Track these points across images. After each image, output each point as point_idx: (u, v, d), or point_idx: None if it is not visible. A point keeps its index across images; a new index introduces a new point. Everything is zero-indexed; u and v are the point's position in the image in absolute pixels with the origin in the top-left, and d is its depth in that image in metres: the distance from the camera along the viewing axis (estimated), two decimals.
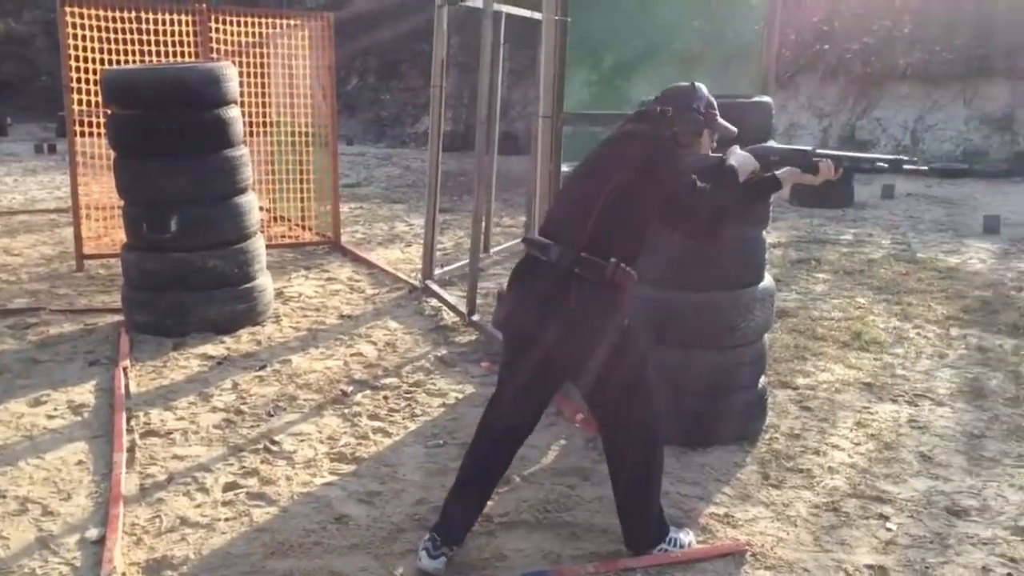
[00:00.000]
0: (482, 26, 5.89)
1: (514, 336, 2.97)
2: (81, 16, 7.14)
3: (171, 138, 5.25)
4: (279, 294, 6.33)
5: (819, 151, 3.11)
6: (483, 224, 6.82)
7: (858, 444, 3.99)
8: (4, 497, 3.45)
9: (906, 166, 3.07)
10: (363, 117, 19.87)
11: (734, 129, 3.09)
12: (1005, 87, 13.63)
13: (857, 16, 14.87)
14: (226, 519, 3.30)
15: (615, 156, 2.93)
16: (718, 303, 3.76)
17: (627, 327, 2.91)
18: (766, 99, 4.01)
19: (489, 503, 3.35)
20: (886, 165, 3.10)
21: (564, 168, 4.94)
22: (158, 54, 7.52)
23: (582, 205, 2.87)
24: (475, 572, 2.96)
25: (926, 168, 3.18)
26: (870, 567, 3.01)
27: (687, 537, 3.11)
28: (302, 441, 3.99)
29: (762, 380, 4.03)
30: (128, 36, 7.37)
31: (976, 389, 4.68)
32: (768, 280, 3.95)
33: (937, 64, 13.96)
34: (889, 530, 3.25)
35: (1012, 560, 3.06)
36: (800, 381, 4.77)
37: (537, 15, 6.78)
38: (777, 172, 3.11)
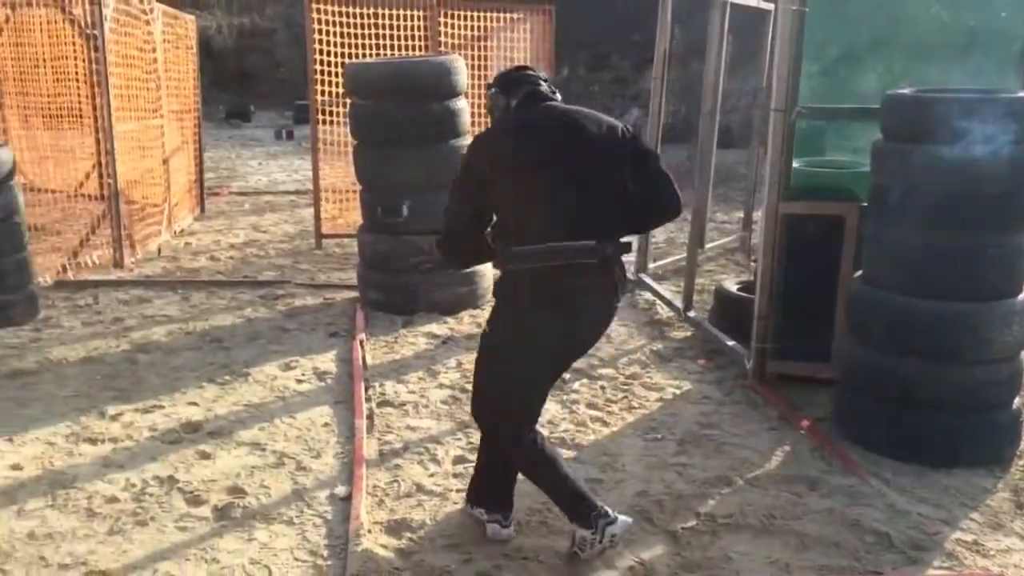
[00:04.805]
0: (710, 17, 5.78)
1: (588, 340, 3.08)
2: (325, 13, 7.64)
3: (406, 128, 5.47)
4: None
5: None
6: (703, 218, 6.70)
7: None
8: (264, 450, 3.81)
9: None
10: None
11: None
12: None
13: None
14: (457, 490, 3.45)
15: (614, 143, 2.93)
16: (971, 314, 3.52)
17: None
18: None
19: (711, 502, 3.36)
20: None
21: (795, 164, 4.78)
22: (391, 48, 7.92)
23: (611, 195, 2.91)
24: (700, 570, 2.94)
25: None
26: None
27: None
28: None
29: (1017, 401, 3.73)
30: (365, 31, 7.82)
31: None
32: None
33: None
34: None
35: None
36: None
37: (765, 5, 6.59)
38: None
